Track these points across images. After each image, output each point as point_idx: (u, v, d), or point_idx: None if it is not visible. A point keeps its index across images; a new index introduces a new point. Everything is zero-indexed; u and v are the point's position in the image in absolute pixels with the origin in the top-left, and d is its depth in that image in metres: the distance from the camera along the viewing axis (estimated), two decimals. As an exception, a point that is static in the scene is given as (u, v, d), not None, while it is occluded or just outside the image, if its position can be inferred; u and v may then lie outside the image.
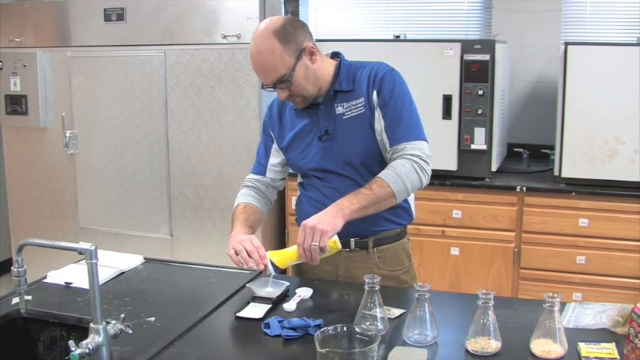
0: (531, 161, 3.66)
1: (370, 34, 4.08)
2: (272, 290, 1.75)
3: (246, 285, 1.82)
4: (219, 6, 3.41)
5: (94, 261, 1.38)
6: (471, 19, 3.97)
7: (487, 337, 1.44)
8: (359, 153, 1.88)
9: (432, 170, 1.88)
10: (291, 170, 2.09)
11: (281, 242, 3.70)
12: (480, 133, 3.25)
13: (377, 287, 1.54)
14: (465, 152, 3.30)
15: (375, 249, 1.95)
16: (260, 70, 1.81)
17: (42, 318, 1.72)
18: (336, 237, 1.73)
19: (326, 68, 1.90)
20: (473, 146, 3.27)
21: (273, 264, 1.77)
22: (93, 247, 1.37)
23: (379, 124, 1.86)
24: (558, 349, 1.42)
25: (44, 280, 1.95)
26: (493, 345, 1.44)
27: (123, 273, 2.02)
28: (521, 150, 3.69)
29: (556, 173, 3.23)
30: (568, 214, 3.18)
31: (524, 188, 3.22)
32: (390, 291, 1.66)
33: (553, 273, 3.25)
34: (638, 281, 3.12)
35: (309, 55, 1.84)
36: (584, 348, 1.44)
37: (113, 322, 1.44)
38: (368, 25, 4.16)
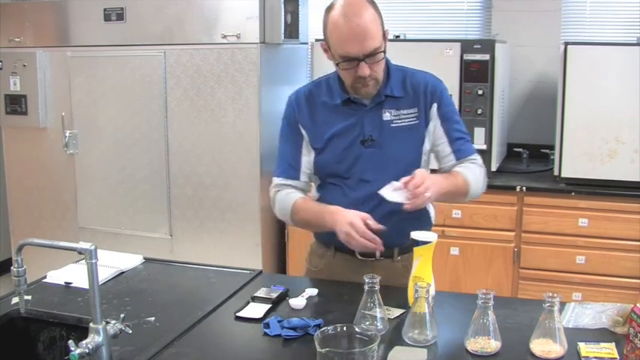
0: (531, 161, 3.66)
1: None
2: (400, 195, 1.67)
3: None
4: (219, 6, 3.41)
5: (93, 261, 1.38)
6: (471, 19, 3.97)
7: (487, 337, 1.44)
8: (404, 164, 1.78)
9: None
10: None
11: (281, 242, 3.70)
12: (479, 133, 3.25)
13: (377, 287, 1.54)
14: (464, 152, 3.30)
15: (399, 257, 1.89)
16: (358, 36, 1.65)
17: (42, 318, 1.72)
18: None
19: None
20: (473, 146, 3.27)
21: None
22: (93, 247, 1.37)
23: (434, 135, 1.82)
24: (558, 348, 1.42)
25: (44, 280, 1.95)
26: (493, 345, 1.44)
27: (123, 273, 2.02)
28: (521, 150, 3.69)
29: (556, 173, 3.23)
30: (568, 213, 3.18)
31: (524, 188, 3.22)
32: (389, 291, 1.65)
33: (553, 273, 3.25)
34: (637, 281, 3.12)
35: (385, 39, 1.74)
36: (584, 348, 1.44)
37: (113, 322, 1.44)
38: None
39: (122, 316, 1.46)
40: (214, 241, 3.61)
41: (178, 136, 3.59)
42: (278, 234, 3.71)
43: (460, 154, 1.84)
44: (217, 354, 1.51)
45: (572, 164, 3.19)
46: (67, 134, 3.78)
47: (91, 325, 1.39)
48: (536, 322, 1.45)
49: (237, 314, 1.67)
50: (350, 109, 1.82)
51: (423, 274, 1.61)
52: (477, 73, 3.21)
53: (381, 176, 1.77)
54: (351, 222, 1.65)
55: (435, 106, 1.82)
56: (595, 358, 1.40)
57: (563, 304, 1.61)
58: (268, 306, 1.71)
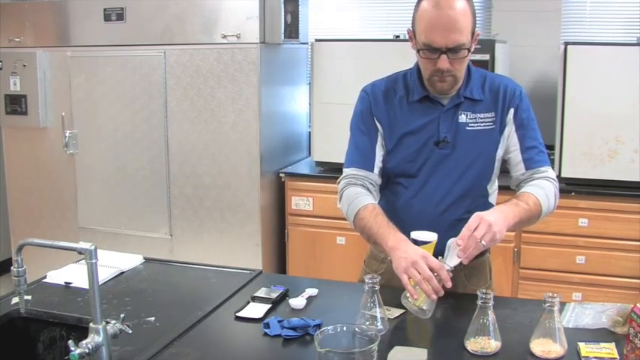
0: (531, 161, 3.65)
1: (370, 34, 4.08)
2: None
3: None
4: (219, 6, 3.41)
5: (93, 261, 1.37)
6: (471, 19, 3.96)
7: (487, 337, 1.44)
8: (476, 169, 1.75)
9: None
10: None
11: (281, 242, 3.71)
12: (479, 133, 3.25)
13: (377, 287, 1.54)
14: (464, 152, 3.30)
15: (461, 265, 1.79)
16: (445, 26, 1.60)
17: (42, 318, 1.72)
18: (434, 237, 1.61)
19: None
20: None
21: None
22: (93, 247, 1.37)
23: (508, 142, 1.77)
24: (558, 348, 1.42)
25: (44, 280, 1.95)
26: (493, 345, 1.44)
27: (123, 273, 2.02)
28: (521, 150, 3.68)
29: (556, 173, 3.22)
30: (568, 213, 3.18)
31: (524, 188, 3.21)
32: (390, 291, 1.65)
33: (553, 273, 3.25)
34: (638, 281, 3.12)
35: (474, 41, 1.68)
36: (584, 348, 1.43)
37: (113, 322, 1.44)
38: (368, 25, 4.15)
39: (122, 316, 1.46)
40: (214, 241, 3.61)
41: (178, 136, 3.59)
42: (278, 234, 3.71)
43: (530, 164, 1.76)
44: (217, 354, 1.51)
45: (572, 164, 3.19)
46: (67, 134, 3.78)
47: (91, 325, 1.39)
48: (536, 322, 1.45)
49: (237, 314, 1.67)
50: (427, 107, 1.76)
51: None
52: (477, 73, 3.21)
53: (451, 180, 1.74)
54: (415, 262, 1.54)
55: (512, 111, 1.76)
56: (595, 358, 1.40)
57: (563, 304, 1.61)
58: (268, 306, 1.71)
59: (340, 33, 4.10)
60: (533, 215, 1.69)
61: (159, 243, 3.71)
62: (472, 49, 1.68)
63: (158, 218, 3.70)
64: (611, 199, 3.12)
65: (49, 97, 3.85)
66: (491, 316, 1.44)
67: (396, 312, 1.65)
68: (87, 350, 1.35)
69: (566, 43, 3.15)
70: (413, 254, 1.56)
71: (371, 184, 1.80)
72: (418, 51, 1.68)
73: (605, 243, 3.15)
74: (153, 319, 1.67)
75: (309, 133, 3.77)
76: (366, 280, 1.54)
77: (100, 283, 1.41)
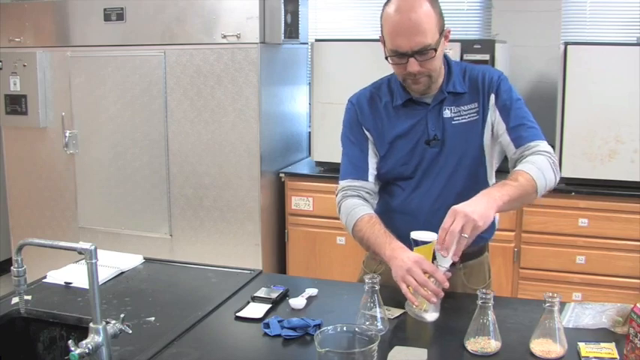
0: (531, 161, 3.65)
1: (370, 34, 4.08)
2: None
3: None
4: (219, 6, 3.41)
5: (93, 261, 1.37)
6: (471, 19, 3.97)
7: (487, 337, 1.44)
8: (468, 162, 1.76)
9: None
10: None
11: (281, 243, 3.71)
12: (479, 133, 3.25)
13: (377, 287, 1.54)
14: (464, 152, 3.30)
15: (461, 264, 1.82)
16: (407, 30, 1.61)
17: (42, 318, 1.72)
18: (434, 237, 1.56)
19: (442, 62, 1.74)
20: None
21: None
22: (93, 247, 1.37)
23: (495, 127, 1.74)
24: (558, 348, 1.42)
25: (44, 280, 1.95)
26: (493, 345, 1.44)
27: (123, 273, 2.02)
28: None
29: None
30: (568, 213, 3.18)
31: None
32: (390, 291, 1.65)
33: (553, 273, 3.25)
34: (638, 281, 3.12)
35: (445, 38, 1.69)
36: (584, 348, 1.43)
37: (113, 322, 1.44)
38: (368, 25, 4.15)
39: (122, 316, 1.46)
40: (214, 241, 3.61)
41: (178, 136, 3.59)
42: (278, 234, 3.71)
43: (519, 142, 1.71)
44: (217, 354, 1.51)
45: (572, 164, 3.19)
46: (67, 134, 3.78)
47: (91, 325, 1.39)
48: (536, 322, 1.45)
49: (237, 314, 1.67)
50: (412, 109, 1.77)
51: None
52: (477, 73, 3.21)
53: (446, 176, 1.75)
54: (410, 268, 1.53)
55: (492, 97, 1.74)
56: (595, 358, 1.40)
57: (563, 304, 1.61)
58: (268, 306, 1.71)
59: (340, 33, 4.10)
60: (527, 191, 1.61)
61: (159, 243, 3.71)
62: (443, 47, 1.68)
63: (158, 218, 3.71)
64: (611, 199, 3.12)
65: (49, 97, 3.85)
66: (491, 316, 1.44)
67: (396, 312, 1.65)
68: (87, 350, 1.35)
69: (566, 43, 3.15)
70: (407, 261, 1.55)
71: (367, 193, 1.81)
72: (387, 58, 1.69)
73: (605, 243, 3.16)
74: (153, 319, 1.67)
75: (309, 133, 3.77)
76: (366, 280, 1.54)
77: (100, 283, 1.41)
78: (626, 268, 3.13)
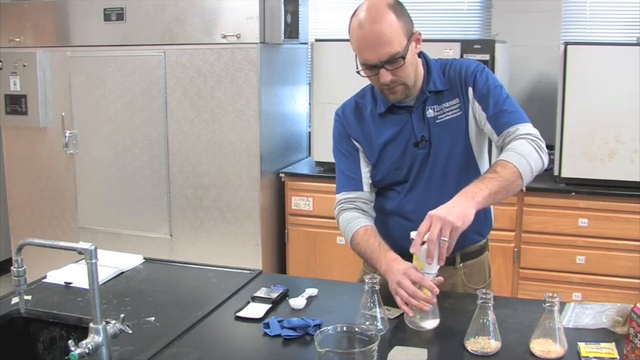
0: (531, 161, 3.65)
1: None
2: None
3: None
4: (219, 6, 3.41)
5: (93, 261, 1.38)
6: (471, 18, 3.97)
7: (487, 337, 1.44)
8: (457, 159, 1.74)
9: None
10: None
11: (281, 243, 3.71)
12: (479, 133, 3.25)
13: (377, 287, 1.54)
14: (464, 152, 3.30)
15: (461, 264, 1.82)
16: (372, 43, 1.61)
17: (42, 318, 1.72)
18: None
19: (419, 64, 1.73)
20: (473, 146, 3.27)
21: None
22: (93, 247, 1.37)
23: (478, 119, 1.72)
24: (558, 349, 1.42)
25: (44, 280, 1.95)
26: (493, 345, 1.44)
27: (123, 273, 2.02)
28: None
29: (556, 173, 3.23)
30: (568, 213, 3.18)
31: (524, 188, 3.20)
32: (389, 291, 1.65)
33: (553, 273, 3.25)
34: (638, 281, 3.12)
35: (416, 41, 1.68)
36: (584, 348, 1.43)
37: (113, 322, 1.44)
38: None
39: (122, 316, 1.46)
40: (214, 241, 3.61)
41: (178, 136, 3.59)
42: (278, 234, 3.71)
43: (499, 128, 1.67)
44: (217, 354, 1.51)
45: (572, 164, 3.19)
46: (67, 134, 3.78)
47: (91, 325, 1.39)
48: (536, 322, 1.45)
49: (237, 314, 1.67)
50: (396, 114, 1.76)
51: None
52: (477, 73, 3.21)
53: (437, 176, 1.74)
54: (399, 281, 1.54)
55: (470, 90, 1.73)
56: (595, 358, 1.40)
57: (563, 304, 1.61)
58: (268, 306, 1.71)
59: (340, 33, 4.09)
60: (509, 180, 1.55)
61: (159, 243, 3.71)
62: (414, 52, 1.67)
63: (158, 218, 3.71)
64: (611, 199, 3.12)
65: (49, 97, 3.85)
66: (491, 316, 1.44)
67: (396, 312, 1.64)
68: (87, 350, 1.35)
69: (566, 43, 3.15)
70: (397, 273, 1.55)
71: (364, 202, 1.81)
72: (358, 72, 1.68)
73: (605, 243, 3.15)
74: (153, 319, 1.67)
75: (309, 133, 3.77)
76: (366, 280, 1.54)
77: (100, 283, 1.41)
78: (626, 268, 3.13)
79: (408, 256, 1.60)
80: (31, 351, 1.74)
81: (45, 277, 1.96)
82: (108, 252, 2.11)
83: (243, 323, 1.64)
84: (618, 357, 1.40)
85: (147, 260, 2.13)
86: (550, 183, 3.25)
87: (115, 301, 1.79)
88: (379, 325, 1.53)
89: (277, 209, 3.68)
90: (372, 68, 1.65)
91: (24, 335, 1.74)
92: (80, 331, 1.59)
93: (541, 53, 3.78)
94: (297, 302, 1.71)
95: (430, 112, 1.74)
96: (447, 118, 1.73)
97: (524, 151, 1.59)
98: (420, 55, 1.76)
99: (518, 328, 1.55)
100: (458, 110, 1.74)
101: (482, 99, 1.71)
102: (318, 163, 3.63)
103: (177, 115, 3.58)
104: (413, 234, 1.61)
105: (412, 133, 1.75)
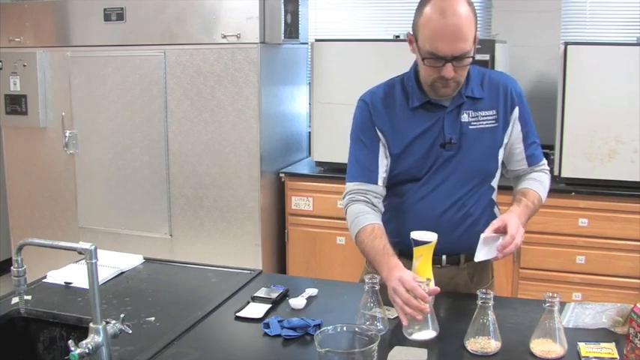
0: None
1: (370, 34, 4.08)
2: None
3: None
4: (219, 6, 3.41)
5: (93, 261, 1.38)
6: (471, 19, 3.96)
7: (487, 337, 1.44)
8: (481, 167, 1.77)
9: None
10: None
11: (281, 243, 3.71)
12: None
13: (377, 287, 1.54)
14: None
15: (465, 264, 1.82)
16: (450, 35, 1.56)
17: (42, 318, 1.72)
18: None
19: None
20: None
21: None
22: (93, 247, 1.37)
23: (511, 139, 1.78)
24: (558, 349, 1.42)
25: (44, 280, 1.95)
26: (493, 345, 1.44)
27: (123, 273, 2.02)
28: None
29: (556, 173, 3.23)
30: (568, 213, 3.18)
31: (524, 188, 3.21)
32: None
33: (553, 273, 3.25)
34: (638, 281, 3.12)
35: (474, 43, 1.65)
36: (584, 348, 1.44)
37: (113, 322, 1.44)
38: (368, 25, 4.15)
39: (122, 316, 1.46)
40: (214, 241, 3.61)
41: (178, 136, 3.59)
42: (278, 234, 3.71)
43: (532, 160, 1.84)
44: (217, 354, 1.51)
45: (572, 164, 3.19)
46: (67, 134, 3.78)
47: (91, 325, 1.39)
48: (536, 322, 1.45)
49: (237, 314, 1.67)
50: (429, 111, 1.74)
51: (423, 273, 1.61)
52: (477, 73, 3.21)
53: (457, 180, 1.75)
54: (394, 288, 1.53)
55: (516, 110, 1.77)
56: (595, 358, 1.40)
57: (563, 304, 1.61)
58: (268, 306, 1.71)
59: (340, 33, 4.10)
60: (535, 213, 1.82)
61: (159, 243, 3.71)
62: (475, 54, 1.66)
63: (158, 218, 3.71)
64: (611, 199, 3.12)
65: (49, 97, 3.85)
66: (491, 316, 1.45)
67: (395, 312, 1.64)
68: (87, 350, 1.35)
69: (566, 43, 3.15)
70: (393, 281, 1.54)
71: (375, 197, 1.77)
72: (423, 60, 1.64)
73: (605, 243, 3.15)
74: (153, 319, 1.67)
75: (309, 133, 3.77)
76: (366, 280, 1.54)
77: (100, 283, 1.41)
78: (626, 268, 3.13)
79: (409, 254, 1.61)
80: (31, 351, 1.74)
81: (45, 277, 1.96)
82: (108, 252, 2.11)
83: (243, 323, 1.64)
84: (618, 357, 1.40)
85: (147, 260, 2.13)
86: (550, 183, 3.24)
87: (115, 301, 1.79)
88: (379, 325, 1.53)
89: (277, 209, 3.68)
90: (438, 60, 1.61)
91: (24, 335, 1.74)
92: (80, 331, 1.59)
93: (541, 53, 3.78)
94: (297, 302, 1.71)
95: (465, 117, 1.73)
96: (481, 126, 1.74)
97: (547, 187, 1.86)
98: None
99: (519, 328, 1.55)
100: (494, 122, 1.75)
101: (525, 124, 1.80)
102: (318, 163, 3.63)
103: (177, 115, 3.58)
104: (413, 234, 1.61)
105: (441, 133, 1.73)
